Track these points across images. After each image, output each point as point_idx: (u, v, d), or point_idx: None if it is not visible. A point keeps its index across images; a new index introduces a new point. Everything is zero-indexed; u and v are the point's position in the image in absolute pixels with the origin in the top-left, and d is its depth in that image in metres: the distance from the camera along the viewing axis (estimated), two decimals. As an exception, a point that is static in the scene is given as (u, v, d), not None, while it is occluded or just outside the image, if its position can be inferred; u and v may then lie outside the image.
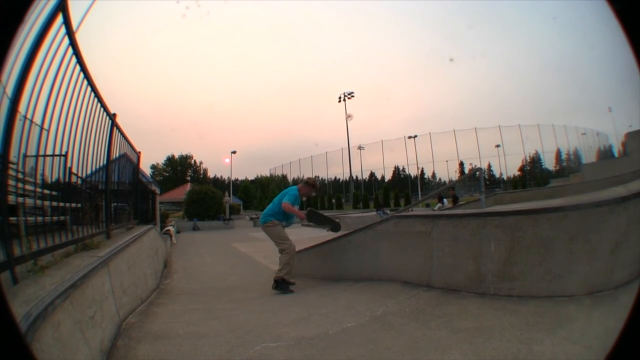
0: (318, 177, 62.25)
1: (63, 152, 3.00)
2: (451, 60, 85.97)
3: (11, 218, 2.47)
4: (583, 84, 74.27)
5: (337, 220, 6.42)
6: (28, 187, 3.17)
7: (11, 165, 2.45)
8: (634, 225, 3.17)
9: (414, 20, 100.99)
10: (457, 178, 51.21)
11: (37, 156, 2.77)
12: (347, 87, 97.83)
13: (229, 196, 36.95)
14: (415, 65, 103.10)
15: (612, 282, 3.11)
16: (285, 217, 5.86)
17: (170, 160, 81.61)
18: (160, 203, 26.41)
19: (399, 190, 46.07)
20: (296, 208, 5.85)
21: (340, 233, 5.90)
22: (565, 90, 77.10)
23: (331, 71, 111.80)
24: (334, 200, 46.32)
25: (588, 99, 72.60)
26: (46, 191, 3.31)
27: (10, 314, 1.39)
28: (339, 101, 53.97)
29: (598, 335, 2.37)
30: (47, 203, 3.27)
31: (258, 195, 56.11)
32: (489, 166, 53.05)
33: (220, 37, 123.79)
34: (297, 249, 5.71)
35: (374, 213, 22.76)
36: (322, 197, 45.54)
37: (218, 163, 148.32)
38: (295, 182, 47.23)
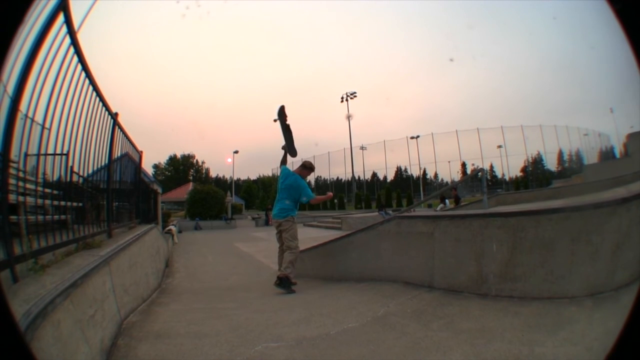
0: (320, 177, 62.37)
1: (64, 151, 3.00)
2: (451, 60, 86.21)
3: (12, 217, 2.47)
4: (584, 84, 74.48)
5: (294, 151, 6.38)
6: (29, 186, 3.17)
7: (12, 164, 2.45)
8: (636, 226, 3.16)
9: (414, 20, 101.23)
10: (459, 178, 51.19)
11: (38, 155, 2.77)
12: (348, 87, 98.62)
13: (231, 196, 37.03)
14: (416, 66, 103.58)
15: (613, 284, 3.10)
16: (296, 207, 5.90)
17: (173, 159, 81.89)
18: (162, 202, 26.48)
19: (401, 191, 46.05)
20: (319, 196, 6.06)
21: (342, 233, 5.89)
22: (566, 90, 77.15)
23: (333, 71, 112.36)
24: (336, 201, 46.26)
25: (589, 99, 72.79)
26: (47, 190, 3.31)
27: (9, 313, 1.38)
28: (342, 101, 54.14)
29: (599, 336, 2.36)
30: (48, 202, 3.27)
31: (260, 195, 56.12)
32: (491, 167, 53.14)
33: (221, 37, 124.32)
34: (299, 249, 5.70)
35: (376, 213, 22.75)
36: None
37: (220, 163, 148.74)
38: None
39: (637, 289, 1.49)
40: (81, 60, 3.04)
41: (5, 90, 1.99)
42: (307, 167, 6.03)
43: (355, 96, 53.84)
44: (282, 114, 6.24)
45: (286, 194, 5.72)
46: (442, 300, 3.57)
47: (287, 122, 6.26)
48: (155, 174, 69.69)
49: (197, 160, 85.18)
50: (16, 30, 1.38)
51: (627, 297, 2.85)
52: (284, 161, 6.33)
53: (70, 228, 3.34)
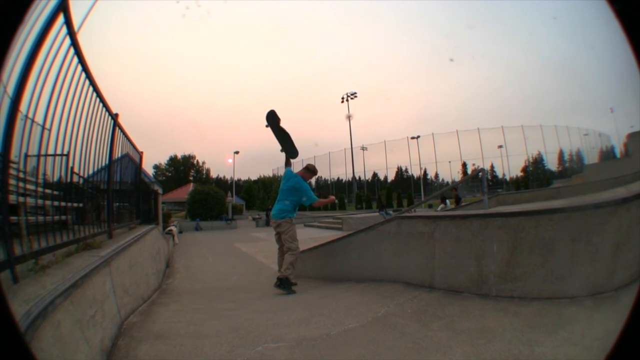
0: (321, 177, 62.38)
1: (65, 152, 3.00)
2: (451, 60, 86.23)
3: (12, 217, 2.47)
4: (584, 84, 74.49)
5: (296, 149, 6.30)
6: (29, 186, 3.18)
7: (12, 165, 2.46)
8: (636, 226, 3.16)
9: (415, 20, 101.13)
10: (459, 179, 51.18)
11: (38, 156, 2.77)
12: (349, 88, 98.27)
13: (232, 196, 37.03)
14: (417, 66, 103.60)
15: (613, 284, 3.09)
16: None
17: (173, 160, 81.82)
18: (163, 203, 26.51)
19: (402, 191, 45.92)
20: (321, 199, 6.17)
21: (342, 234, 5.88)
22: (566, 90, 76.95)
23: (333, 71, 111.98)
24: (336, 201, 46.23)
25: (589, 99, 72.78)
26: (48, 191, 3.31)
27: (9, 313, 1.39)
28: (342, 101, 54.17)
29: (599, 336, 2.36)
30: (48, 202, 3.27)
31: (261, 196, 56.03)
32: (492, 167, 52.99)
33: (221, 37, 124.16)
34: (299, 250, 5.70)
35: (377, 214, 22.77)
36: (325, 197, 45.42)
37: (221, 163, 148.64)
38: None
39: (637, 289, 1.49)
40: (81, 61, 3.04)
41: (5, 91, 1.99)
42: (310, 170, 6.11)
43: (355, 96, 53.95)
44: (272, 119, 6.19)
45: (287, 195, 5.75)
46: (442, 300, 3.57)
47: (280, 125, 6.22)
48: (155, 175, 69.58)
49: (197, 161, 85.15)
50: (16, 31, 1.38)
51: (627, 297, 2.85)
52: (287, 163, 6.32)
53: (70, 228, 3.34)
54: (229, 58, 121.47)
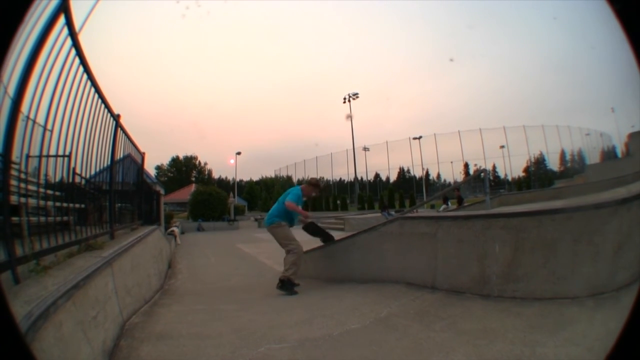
0: (323, 178, 62.29)
1: (67, 153, 3.01)
2: (451, 60, 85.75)
3: (13, 218, 2.48)
4: (585, 84, 73.97)
5: (331, 234, 6.36)
6: (31, 187, 3.18)
7: (14, 166, 2.46)
8: (637, 226, 3.15)
9: (415, 20, 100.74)
10: (462, 179, 51.16)
11: (40, 156, 2.78)
12: (350, 88, 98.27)
13: (234, 197, 37.02)
14: (418, 66, 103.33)
15: (614, 284, 3.08)
16: (291, 217, 5.86)
17: (175, 161, 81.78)
18: (165, 204, 26.54)
19: (404, 191, 45.84)
20: (300, 207, 5.88)
21: (344, 234, 5.87)
22: (567, 90, 76.59)
23: (334, 71, 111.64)
24: (338, 202, 46.21)
25: (590, 99, 72.47)
26: (49, 191, 3.32)
27: (10, 314, 1.39)
28: (344, 102, 54.12)
29: (600, 337, 2.35)
30: (50, 203, 3.28)
31: (263, 196, 55.99)
32: (494, 167, 52.96)
33: (221, 37, 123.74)
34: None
35: (379, 214, 22.75)
36: (327, 198, 45.47)
37: (223, 164, 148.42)
38: (300, 182, 47.26)
39: (637, 289, 1.49)
40: (83, 62, 3.05)
41: (6, 92, 2.00)
42: (312, 184, 6.26)
43: (357, 97, 53.84)
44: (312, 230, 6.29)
45: (280, 201, 5.90)
46: (444, 301, 3.57)
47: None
48: (157, 175, 69.58)
49: (199, 162, 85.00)
50: (16, 31, 1.39)
51: (628, 297, 2.83)
52: None
53: (72, 229, 3.35)
54: (230, 58, 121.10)
